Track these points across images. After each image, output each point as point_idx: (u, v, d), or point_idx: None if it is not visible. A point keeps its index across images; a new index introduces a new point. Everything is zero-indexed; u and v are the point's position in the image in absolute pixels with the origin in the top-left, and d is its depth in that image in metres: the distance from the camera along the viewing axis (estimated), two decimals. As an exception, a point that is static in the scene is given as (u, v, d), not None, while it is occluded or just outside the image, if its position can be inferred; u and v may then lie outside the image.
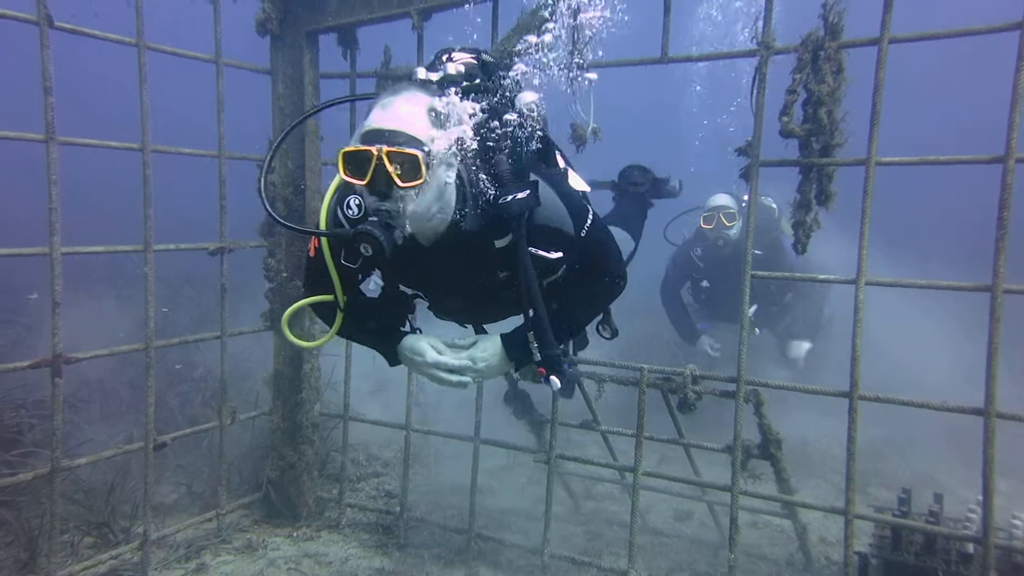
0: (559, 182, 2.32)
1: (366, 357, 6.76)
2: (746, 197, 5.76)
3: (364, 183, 1.99)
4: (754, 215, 3.04)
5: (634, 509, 3.33)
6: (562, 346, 2.42)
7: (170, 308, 8.16)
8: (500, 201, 2.09)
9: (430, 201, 2.05)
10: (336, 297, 2.37)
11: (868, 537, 3.40)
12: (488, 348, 2.36)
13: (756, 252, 5.51)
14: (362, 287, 2.44)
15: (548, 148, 2.46)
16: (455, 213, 2.15)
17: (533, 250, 2.16)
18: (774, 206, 6.15)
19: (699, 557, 4.00)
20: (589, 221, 2.31)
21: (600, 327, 2.90)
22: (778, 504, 3.82)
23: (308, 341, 2.80)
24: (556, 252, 2.24)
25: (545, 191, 2.19)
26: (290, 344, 4.38)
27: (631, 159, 4.44)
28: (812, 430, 6.00)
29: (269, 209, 2.33)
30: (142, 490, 3.66)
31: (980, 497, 2.66)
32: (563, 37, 3.55)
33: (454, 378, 2.33)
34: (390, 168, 1.95)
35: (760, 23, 2.98)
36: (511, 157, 2.17)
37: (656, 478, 3.46)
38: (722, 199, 6.08)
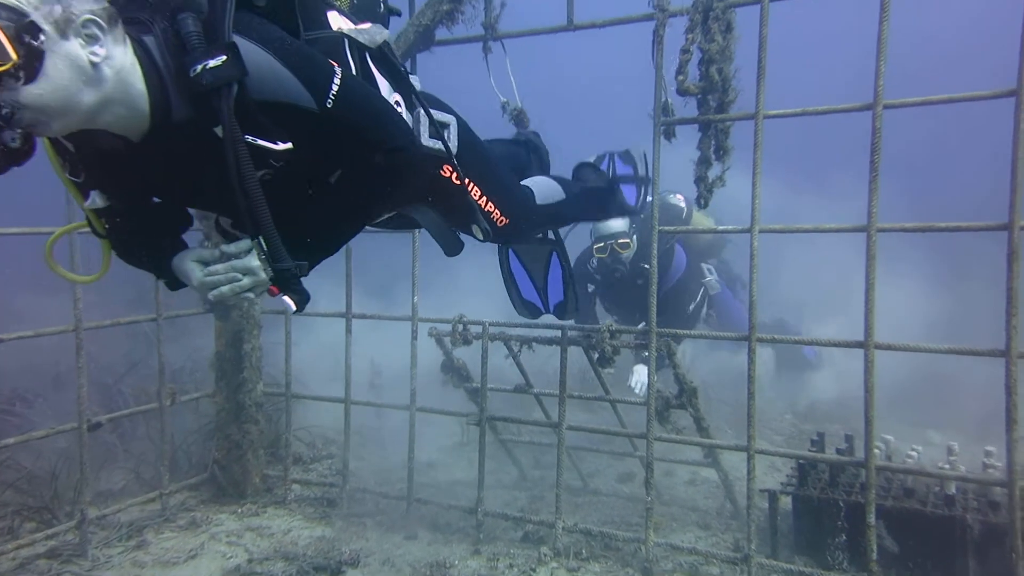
0: (284, 41, 1.76)
1: (320, 339, 6.83)
2: (680, 196, 5.77)
3: None
4: (658, 174, 3.16)
5: (559, 463, 3.45)
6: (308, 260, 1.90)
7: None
8: (191, 74, 1.60)
9: (68, 87, 1.53)
10: (90, 222, 1.95)
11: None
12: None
13: (644, 266, 5.22)
14: (88, 204, 1.93)
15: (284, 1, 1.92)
16: (156, 99, 1.66)
17: (251, 139, 1.68)
18: (683, 205, 5.65)
19: (633, 512, 4.13)
20: (336, 85, 1.77)
21: (473, 227, 2.51)
22: (703, 457, 3.97)
23: (82, 277, 2.30)
24: (284, 142, 1.74)
25: (256, 55, 1.66)
26: (231, 326, 4.44)
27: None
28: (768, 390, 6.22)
29: None
30: (89, 473, 3.71)
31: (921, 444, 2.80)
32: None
33: (227, 288, 1.84)
34: None
35: (656, -13, 3.10)
36: (200, 15, 1.66)
37: (581, 431, 3.58)
38: (616, 225, 5.34)
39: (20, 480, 4.19)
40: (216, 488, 4.46)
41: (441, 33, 3.71)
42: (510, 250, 3.42)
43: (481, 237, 2.51)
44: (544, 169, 3.23)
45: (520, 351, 3.64)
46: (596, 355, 3.43)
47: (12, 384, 6.03)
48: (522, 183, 2.99)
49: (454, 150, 2.28)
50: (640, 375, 5.13)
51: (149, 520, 4.04)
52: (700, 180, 3.13)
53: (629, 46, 3.56)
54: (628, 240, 5.38)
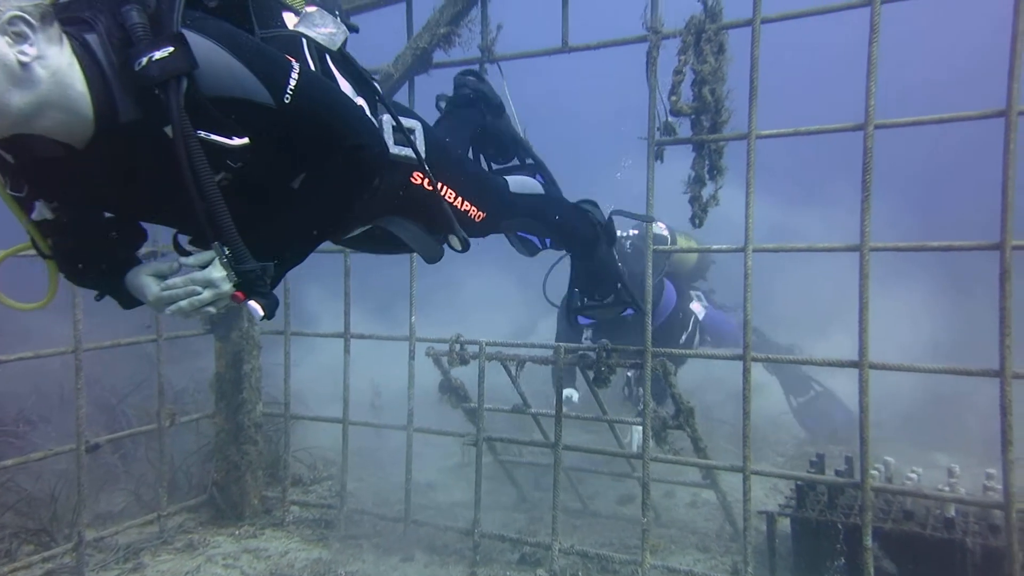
0: (237, 36, 1.67)
1: (322, 359, 6.84)
2: (662, 224, 5.63)
3: None
4: (652, 195, 3.17)
5: (555, 484, 3.43)
6: (282, 262, 1.82)
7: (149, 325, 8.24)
8: (135, 67, 1.50)
9: None
10: (34, 240, 1.85)
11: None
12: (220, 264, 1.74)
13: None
14: (34, 217, 1.82)
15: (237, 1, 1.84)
16: (100, 100, 1.56)
17: (204, 134, 1.59)
18: (666, 234, 5.40)
19: (632, 534, 4.09)
20: (294, 80, 1.69)
21: (451, 237, 2.39)
22: (702, 478, 3.93)
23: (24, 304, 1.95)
24: (240, 137, 1.65)
25: (206, 48, 1.57)
26: (231, 347, 4.45)
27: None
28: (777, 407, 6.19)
29: None
30: (88, 495, 3.71)
31: (914, 465, 2.77)
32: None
33: (185, 303, 1.73)
34: None
35: (648, 10, 3.13)
36: (146, 7, 1.57)
37: (578, 451, 3.56)
38: None
39: (19, 502, 4.19)
40: (215, 510, 4.44)
41: (438, 56, 3.75)
42: None
43: (460, 248, 2.39)
44: (496, 112, 3.12)
45: (518, 371, 3.63)
46: (592, 375, 3.41)
47: (19, 406, 6.06)
48: (495, 176, 2.92)
49: (423, 154, 2.22)
50: (637, 435, 5.01)
51: (147, 542, 4.02)
52: (695, 200, 3.14)
53: (626, 65, 3.57)
54: None
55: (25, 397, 6.21)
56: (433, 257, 2.34)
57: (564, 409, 3.42)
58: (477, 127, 3.03)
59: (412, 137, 2.19)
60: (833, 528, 3.05)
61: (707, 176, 3.10)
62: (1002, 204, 2.39)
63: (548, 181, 3.13)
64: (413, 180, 2.23)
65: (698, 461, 3.24)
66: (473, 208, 2.50)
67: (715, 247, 3.07)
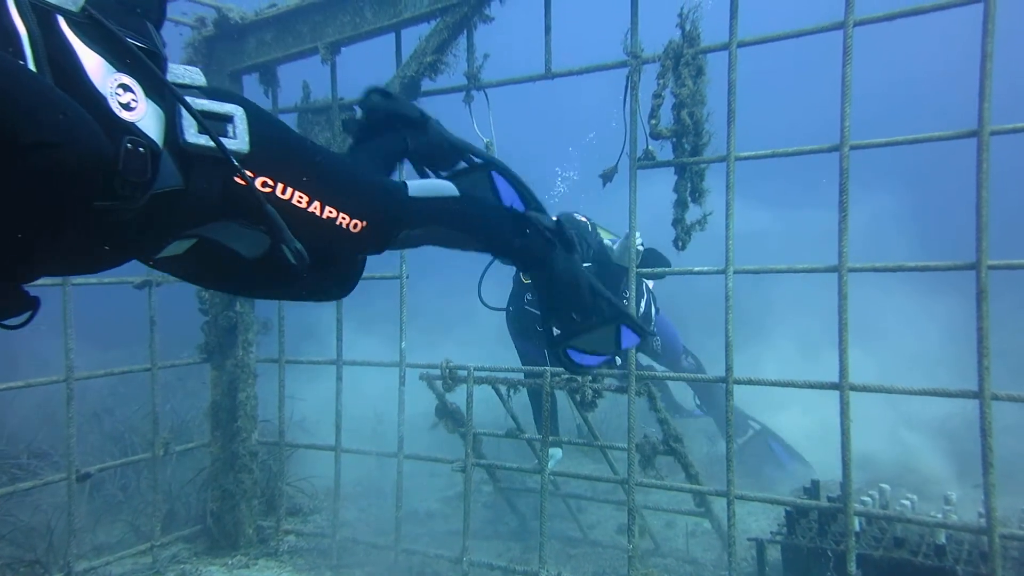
0: None
1: (332, 388, 6.88)
2: (583, 218, 5.55)
3: None
4: (635, 217, 3.17)
5: (543, 510, 3.39)
6: None
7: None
8: None
9: None
10: None
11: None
12: None
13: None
14: None
15: None
16: None
17: None
18: (585, 219, 5.27)
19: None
20: None
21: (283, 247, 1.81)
22: (696, 505, 3.87)
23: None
24: None
25: None
26: (226, 376, 4.48)
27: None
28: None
29: None
30: (86, 526, 3.72)
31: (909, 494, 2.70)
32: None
33: None
34: None
35: (628, 36, 3.16)
36: None
37: (568, 477, 3.52)
38: None
39: (13, 532, 4.21)
40: (210, 540, 4.43)
41: (425, 84, 3.79)
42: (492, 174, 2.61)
43: (292, 259, 1.82)
44: (418, 126, 2.57)
45: (510, 395, 3.62)
46: (578, 398, 3.39)
47: (30, 438, 6.12)
48: (385, 178, 2.33)
49: (244, 148, 1.77)
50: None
51: (139, 573, 4.02)
52: (677, 222, 3.12)
53: (612, 86, 3.60)
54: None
55: (36, 428, 6.27)
56: (252, 252, 1.88)
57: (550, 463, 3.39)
58: (399, 152, 2.56)
59: (230, 128, 1.77)
60: (824, 555, 2.97)
61: (690, 199, 3.09)
62: (976, 224, 2.35)
63: (511, 180, 2.61)
64: (238, 180, 1.76)
65: (682, 486, 3.19)
66: (344, 216, 1.98)
67: (696, 269, 3.05)
